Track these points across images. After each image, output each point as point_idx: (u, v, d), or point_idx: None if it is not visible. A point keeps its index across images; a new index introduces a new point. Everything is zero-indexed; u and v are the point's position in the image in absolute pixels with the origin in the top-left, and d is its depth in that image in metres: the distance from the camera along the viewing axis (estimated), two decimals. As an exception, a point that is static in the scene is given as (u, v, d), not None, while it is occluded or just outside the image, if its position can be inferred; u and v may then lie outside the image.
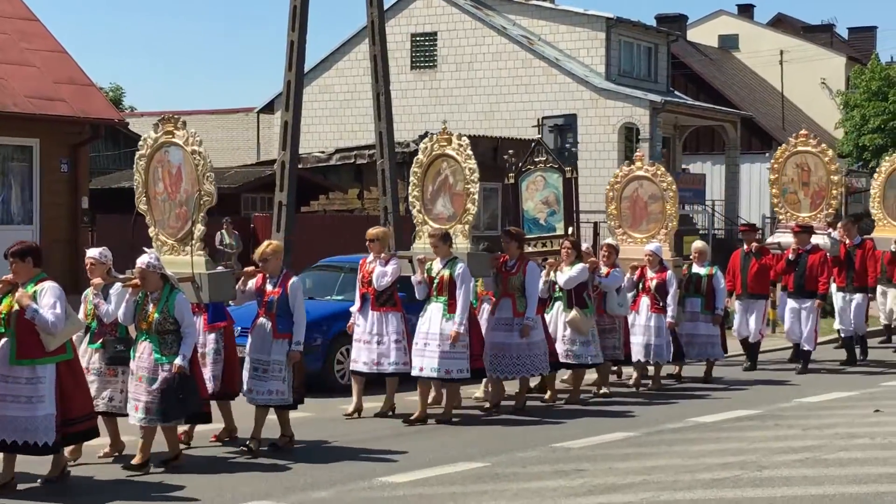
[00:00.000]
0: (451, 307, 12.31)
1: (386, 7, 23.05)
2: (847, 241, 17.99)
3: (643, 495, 9.01)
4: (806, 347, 16.72)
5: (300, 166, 23.56)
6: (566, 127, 20.39)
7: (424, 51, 41.44)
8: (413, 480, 9.60)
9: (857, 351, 18.00)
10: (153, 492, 9.29)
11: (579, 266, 13.72)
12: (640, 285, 15.12)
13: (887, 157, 21.37)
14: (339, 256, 17.14)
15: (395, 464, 10.29)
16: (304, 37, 20.31)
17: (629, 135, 39.09)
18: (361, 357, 12.68)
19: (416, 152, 34.14)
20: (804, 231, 16.91)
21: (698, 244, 16.47)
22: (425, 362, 12.35)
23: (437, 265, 12.58)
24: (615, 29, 40.61)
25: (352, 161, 33.20)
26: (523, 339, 12.90)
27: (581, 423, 12.51)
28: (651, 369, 15.27)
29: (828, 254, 16.97)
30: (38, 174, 22.37)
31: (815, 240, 17.07)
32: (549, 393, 13.95)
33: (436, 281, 12.50)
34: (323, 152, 34.74)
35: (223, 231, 25.56)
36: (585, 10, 40.83)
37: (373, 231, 13.04)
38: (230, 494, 9.11)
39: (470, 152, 13.22)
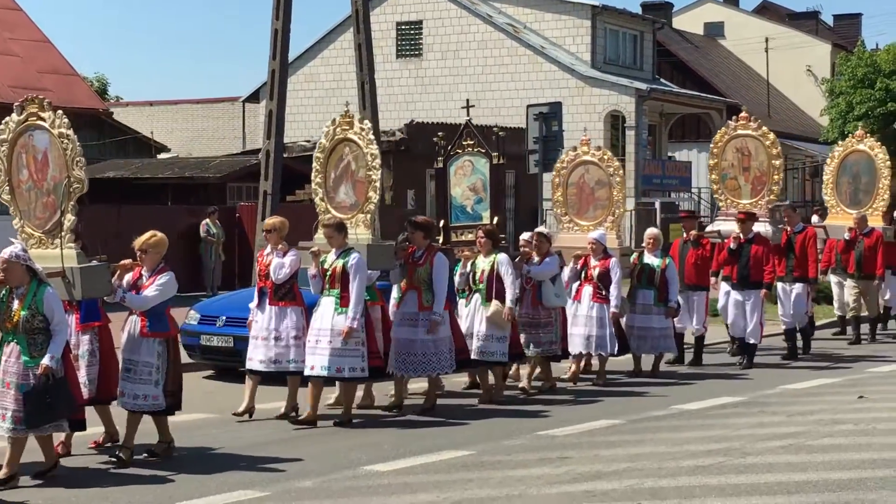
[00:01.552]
0: (343, 301, 11.43)
1: (370, -5, 23.00)
2: (788, 229, 17.10)
3: (628, 482, 9.03)
4: (751, 341, 15.69)
5: (285, 155, 23.51)
6: (551, 115, 20.38)
7: (410, 39, 41.38)
8: (398, 469, 9.60)
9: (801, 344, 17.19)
10: (130, 482, 9.27)
11: (550, 258, 13.43)
12: (583, 274, 14.30)
13: (840, 143, 20.48)
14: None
15: (379, 452, 10.28)
16: (289, 25, 20.30)
17: (615, 123, 39.13)
18: (257, 355, 11.81)
19: (401, 142, 34.12)
20: (748, 218, 15.78)
21: (652, 231, 15.50)
22: (317, 360, 11.45)
23: (331, 256, 11.68)
24: (600, 17, 40.62)
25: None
26: (429, 336, 12.04)
27: (565, 411, 12.51)
28: (596, 362, 14.60)
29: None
30: (23, 164, 22.31)
31: (757, 227, 15.98)
32: (524, 381, 13.65)
33: (328, 273, 11.63)
34: (308, 141, 34.65)
35: (208, 221, 25.50)
36: (571, -2, 40.76)
37: (270, 221, 12.30)
38: (214, 484, 9.10)
39: (372, 137, 12.44)
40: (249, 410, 11.84)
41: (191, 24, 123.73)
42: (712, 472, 9.38)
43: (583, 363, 14.60)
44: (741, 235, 15.66)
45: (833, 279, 19.08)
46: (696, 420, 11.92)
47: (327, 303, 11.55)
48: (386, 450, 10.41)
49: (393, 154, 30.52)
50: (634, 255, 15.18)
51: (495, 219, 13.79)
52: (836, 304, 19.15)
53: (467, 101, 16.40)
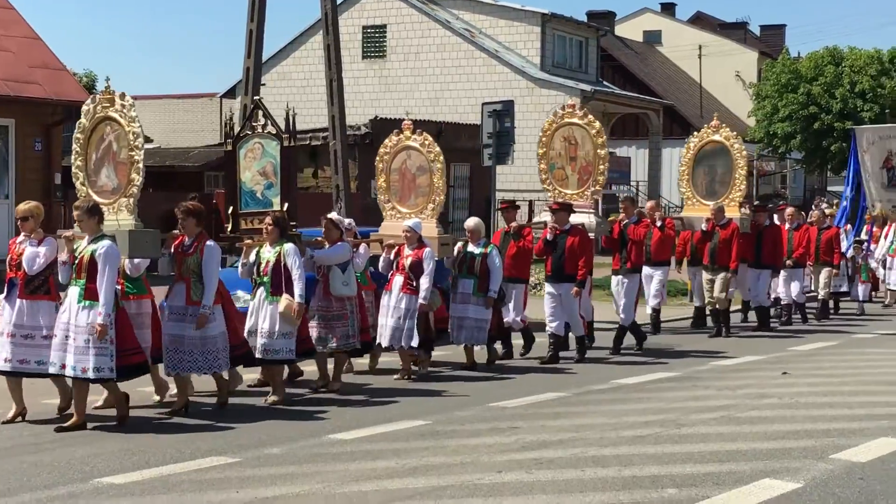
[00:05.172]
0: (87, 293, 9.60)
1: (339, 1, 22.81)
2: (621, 221, 15.46)
3: (573, 451, 8.92)
4: (577, 334, 14.18)
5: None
6: (504, 112, 20.19)
7: (375, 42, 41.18)
8: (360, 437, 9.44)
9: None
10: (108, 445, 9.05)
11: (339, 244, 11.93)
12: (395, 264, 12.71)
13: (695, 133, 18.47)
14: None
15: (342, 421, 10.12)
16: (262, 27, 20.15)
17: (562, 121, 39.07)
18: (2, 353, 9.89)
19: (367, 135, 33.85)
20: (562, 209, 14.21)
21: (471, 222, 13.69)
22: (67, 358, 9.61)
23: (83, 243, 9.86)
24: (550, 24, 40.61)
25: (307, 143, 32.86)
26: (197, 332, 10.34)
27: (515, 384, 12.40)
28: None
29: (592, 234, 14.67)
30: (14, 152, 22.07)
31: (581, 219, 14.61)
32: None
33: (76, 261, 9.83)
34: (280, 134, 34.36)
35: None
36: (522, 6, 40.78)
37: (23, 207, 10.18)
38: (189, 450, 8.91)
39: (135, 114, 10.58)
40: (21, 414, 10.02)
41: (173, 25, 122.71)
42: (650, 442, 9.29)
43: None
44: (557, 226, 14.10)
45: (689, 271, 17.60)
46: (635, 394, 11.84)
47: (72, 294, 9.73)
48: (348, 420, 10.25)
49: (359, 147, 30.40)
50: (459, 244, 13.57)
51: (285, 205, 11.94)
52: (694, 296, 17.73)
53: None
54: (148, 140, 39.10)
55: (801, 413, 10.66)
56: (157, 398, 10.86)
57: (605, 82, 45.35)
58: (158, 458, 8.67)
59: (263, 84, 24.00)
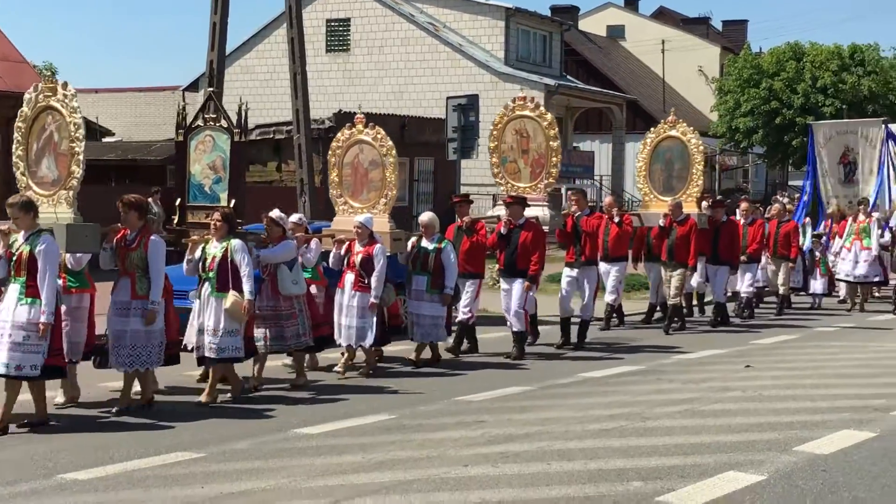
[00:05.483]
0: (29, 290, 9.34)
1: (303, -7, 22.74)
2: (573, 214, 15.08)
3: (539, 444, 8.94)
4: (515, 329, 13.81)
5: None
6: (469, 106, 20.23)
7: (339, 35, 41.09)
8: (326, 432, 9.41)
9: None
10: (70, 441, 8.98)
11: (285, 243, 11.67)
12: (347, 260, 12.43)
13: (652, 129, 18.15)
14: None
15: (307, 416, 10.09)
16: (226, 19, 20.03)
17: (526, 115, 39.13)
18: None
19: (331, 129, 33.84)
20: (515, 202, 13.98)
21: (425, 217, 13.40)
22: (1, 356, 9.29)
23: (19, 239, 9.55)
24: (514, 18, 40.69)
25: (270, 136, 32.79)
26: (143, 327, 10.04)
27: (480, 378, 12.39)
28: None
29: (546, 228, 14.45)
30: (-26, 145, 21.81)
31: (535, 212, 14.39)
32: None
33: (14, 258, 9.51)
34: (243, 128, 34.22)
35: (150, 200, 24.94)
36: (487, 0, 40.77)
37: None
38: (153, 446, 8.84)
39: (77, 104, 10.21)
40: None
41: (136, 17, 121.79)
42: (615, 435, 9.32)
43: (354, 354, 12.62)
44: (511, 220, 13.86)
45: (646, 266, 17.39)
46: (600, 387, 11.87)
47: (12, 291, 9.44)
48: (313, 415, 10.22)
49: (322, 140, 30.24)
50: (413, 240, 13.33)
51: (233, 201, 11.75)
52: (650, 291, 17.57)
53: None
54: (110, 133, 38.88)
55: (764, 406, 10.73)
56: (61, 401, 10.37)
57: (568, 77, 45.48)
58: (122, 453, 8.60)
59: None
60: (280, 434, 9.35)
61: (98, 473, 7.99)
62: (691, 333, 16.62)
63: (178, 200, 12.24)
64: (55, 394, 10.32)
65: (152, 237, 10.24)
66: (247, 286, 10.61)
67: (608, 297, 16.80)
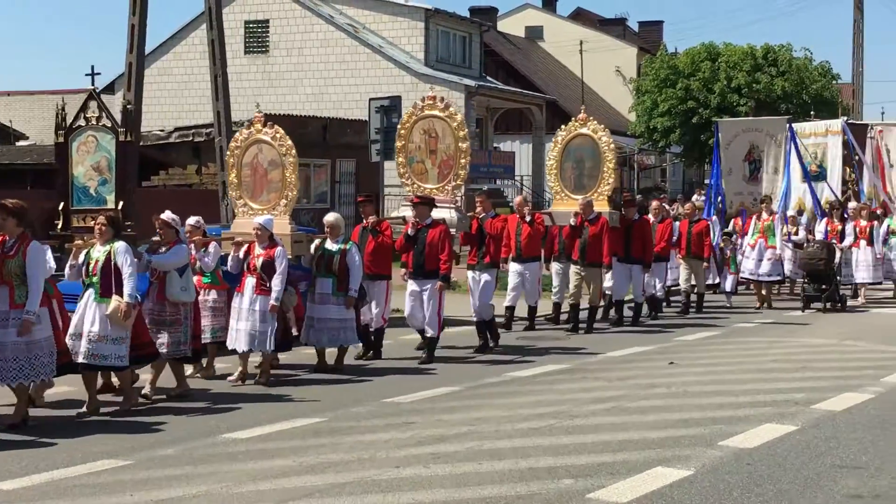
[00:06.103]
0: None
1: (222, -5, 22.54)
2: (482, 214, 15.24)
3: (469, 444, 8.98)
4: (429, 333, 13.60)
5: (140, 144, 22.83)
6: (391, 108, 20.28)
7: (257, 37, 40.85)
8: (255, 436, 9.36)
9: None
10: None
11: (177, 248, 11.23)
12: (247, 264, 12.00)
13: (563, 127, 17.80)
14: None
15: (237, 420, 10.02)
16: (145, 21, 19.79)
17: (446, 116, 39.22)
18: None
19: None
20: (423, 203, 13.71)
21: (330, 217, 13.13)
22: None
23: None
24: (433, 19, 40.78)
25: (190, 139, 32.46)
26: (21, 338, 9.49)
27: (407, 380, 12.39)
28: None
29: (454, 230, 14.30)
30: None
31: (442, 214, 14.21)
32: (147, 387, 11.22)
33: None
34: (162, 130, 33.86)
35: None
36: (406, 1, 40.88)
37: None
38: (79, 454, 8.72)
39: None
40: None
41: (44, 16, 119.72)
42: (544, 434, 9.39)
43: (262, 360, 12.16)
44: (419, 221, 13.57)
45: (555, 267, 17.09)
46: (528, 386, 11.95)
47: None
48: (242, 419, 10.15)
49: (243, 143, 30.12)
50: (317, 241, 13.03)
51: (120, 204, 11.40)
52: (553, 291, 17.28)
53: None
54: (23, 136, 38.11)
55: (689, 402, 10.88)
56: None
57: (488, 77, 45.67)
58: (48, 462, 8.47)
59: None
60: (209, 439, 9.28)
61: (24, 483, 7.87)
62: (611, 332, 16.77)
63: (62, 204, 11.75)
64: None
65: (33, 243, 9.74)
66: (127, 287, 10.16)
67: (529, 300, 16.85)
